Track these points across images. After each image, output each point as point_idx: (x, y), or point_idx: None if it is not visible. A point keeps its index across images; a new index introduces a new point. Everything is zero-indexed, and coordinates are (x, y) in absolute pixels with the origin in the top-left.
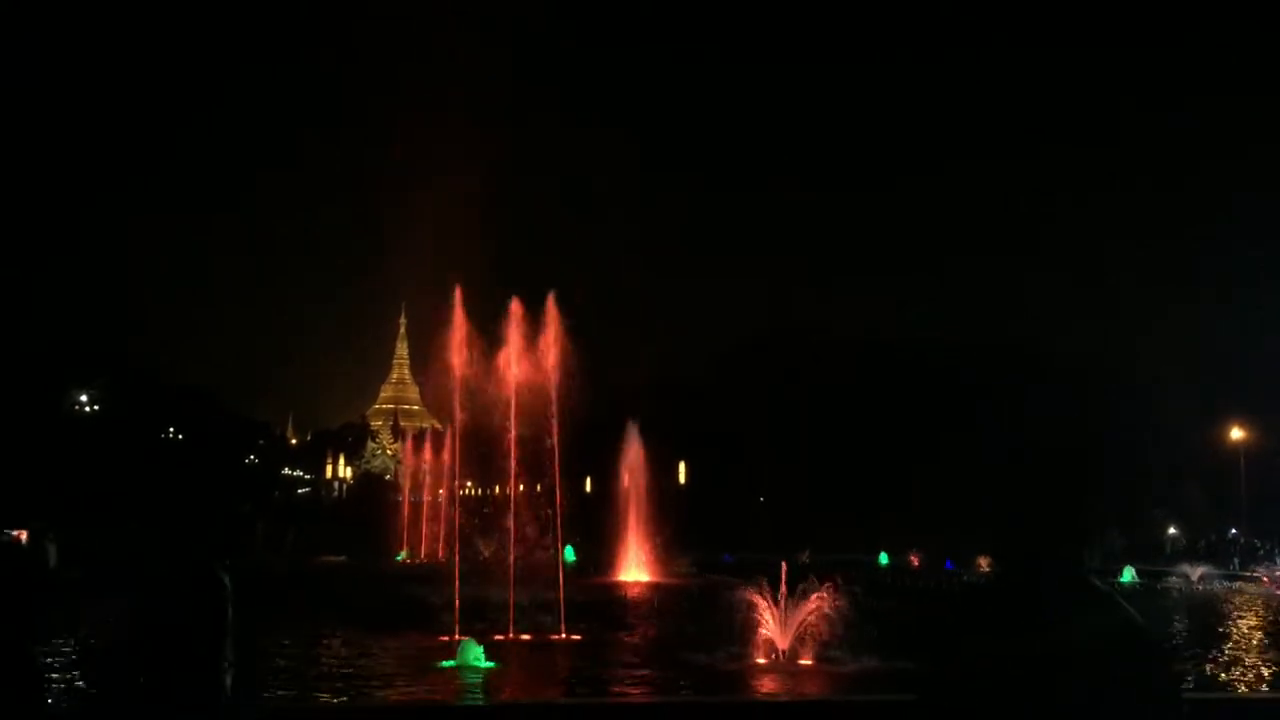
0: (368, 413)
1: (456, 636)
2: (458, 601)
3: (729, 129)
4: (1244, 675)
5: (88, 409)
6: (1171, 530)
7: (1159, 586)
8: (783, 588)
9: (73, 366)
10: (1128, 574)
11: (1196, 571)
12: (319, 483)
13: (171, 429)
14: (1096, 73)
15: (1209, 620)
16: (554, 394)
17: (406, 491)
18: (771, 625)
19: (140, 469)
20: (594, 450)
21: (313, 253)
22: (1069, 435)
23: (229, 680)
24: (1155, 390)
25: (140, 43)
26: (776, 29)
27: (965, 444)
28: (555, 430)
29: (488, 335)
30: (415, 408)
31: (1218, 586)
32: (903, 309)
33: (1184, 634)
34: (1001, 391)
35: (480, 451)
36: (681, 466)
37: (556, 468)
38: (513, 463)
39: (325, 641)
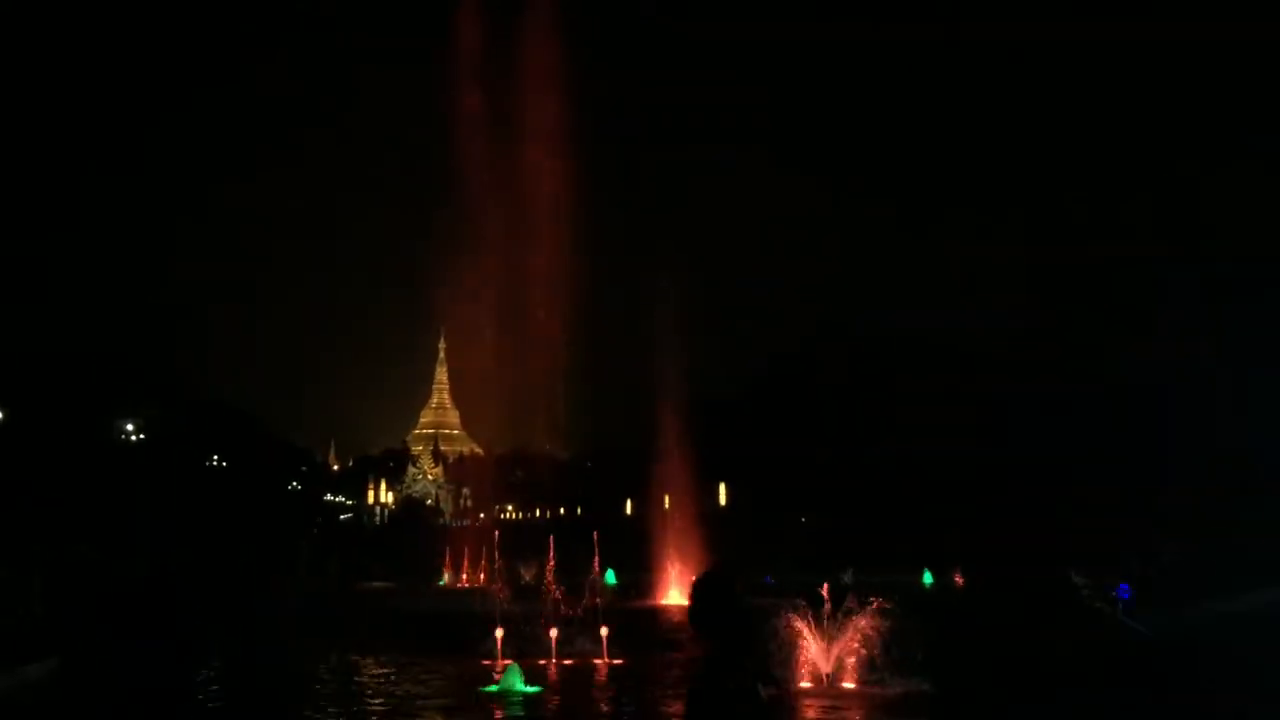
0: (408, 438)
1: (499, 661)
2: (500, 627)
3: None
4: None
5: (134, 437)
6: None
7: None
8: (826, 609)
9: (120, 392)
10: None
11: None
12: (361, 508)
13: (215, 456)
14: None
15: None
16: None
17: (449, 515)
18: (814, 648)
19: (186, 495)
20: (633, 474)
21: (351, 278)
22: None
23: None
24: (1217, 402)
25: (161, 48)
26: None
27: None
28: None
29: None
30: (455, 432)
31: None
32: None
33: None
34: (1046, 402)
35: (518, 476)
36: (722, 488)
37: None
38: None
39: (369, 666)
